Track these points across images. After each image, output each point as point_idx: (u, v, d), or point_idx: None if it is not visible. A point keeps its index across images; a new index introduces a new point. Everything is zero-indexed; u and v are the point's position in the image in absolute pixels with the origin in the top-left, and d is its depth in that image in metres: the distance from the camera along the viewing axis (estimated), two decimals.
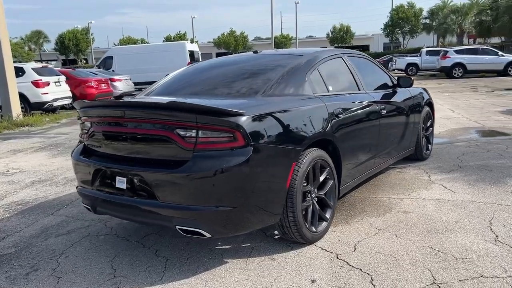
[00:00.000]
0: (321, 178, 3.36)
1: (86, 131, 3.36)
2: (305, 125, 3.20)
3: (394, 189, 4.60)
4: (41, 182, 5.62)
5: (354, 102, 3.92)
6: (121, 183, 3.01)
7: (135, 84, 20.41)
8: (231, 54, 57.01)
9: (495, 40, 35.77)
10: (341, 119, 3.58)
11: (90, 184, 3.24)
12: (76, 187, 3.53)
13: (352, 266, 2.96)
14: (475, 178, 4.85)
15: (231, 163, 2.68)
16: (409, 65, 28.96)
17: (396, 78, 5.11)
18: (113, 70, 21.64)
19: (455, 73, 23.37)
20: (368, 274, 2.85)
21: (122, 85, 18.90)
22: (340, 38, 56.79)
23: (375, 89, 4.54)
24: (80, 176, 3.40)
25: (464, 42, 43.56)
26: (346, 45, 57.33)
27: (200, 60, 23.79)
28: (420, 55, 29.08)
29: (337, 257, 3.11)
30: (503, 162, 5.46)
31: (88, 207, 3.36)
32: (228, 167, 2.67)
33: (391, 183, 4.82)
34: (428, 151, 5.83)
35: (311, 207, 3.28)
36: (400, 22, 51.75)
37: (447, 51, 24.52)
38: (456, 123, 8.84)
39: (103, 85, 16.46)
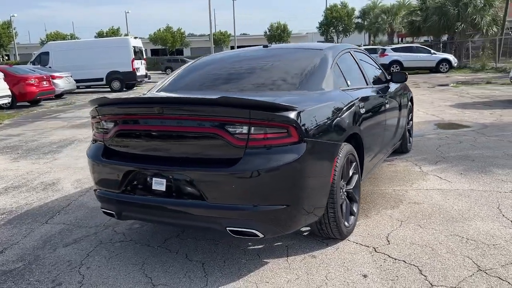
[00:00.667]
0: (350, 173, 3.36)
1: (107, 130, 3.08)
2: (342, 119, 3.18)
3: (393, 182, 4.73)
4: (15, 188, 5.11)
5: (369, 96, 3.97)
6: (159, 184, 2.80)
7: (76, 81, 19.32)
8: (169, 50, 54.88)
9: (424, 39, 38.09)
10: (363, 113, 3.60)
11: (117, 188, 2.98)
12: (95, 191, 3.24)
13: (395, 259, 2.99)
14: (462, 168, 5.11)
15: (287, 160, 2.58)
16: None
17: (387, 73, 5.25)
18: (49, 67, 20.30)
19: (392, 70, 24.56)
20: (414, 266, 2.88)
21: (63, 82, 17.83)
22: (278, 36, 57.59)
23: (375, 84, 4.63)
24: (103, 179, 3.12)
25: (394, 41, 45.99)
26: (284, 42, 58.30)
27: (145, 56, 23.03)
28: None
29: (376, 251, 3.12)
30: (480, 152, 5.81)
31: (111, 212, 3.09)
32: (284, 164, 2.57)
33: (387, 176, 4.95)
34: (410, 144, 6.06)
35: (344, 202, 3.27)
36: (334, 21, 53.48)
37: (385, 49, 25.74)
38: (416, 116, 9.26)
39: (44, 82, 15.36)
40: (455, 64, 24.45)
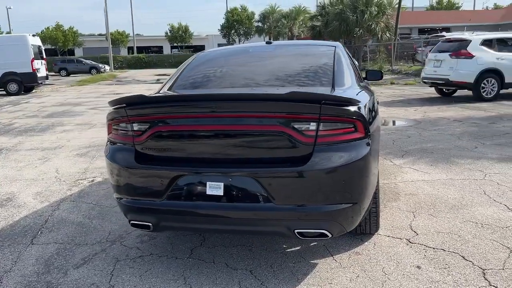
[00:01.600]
0: None
1: (139, 132, 2.73)
2: (378, 113, 3.22)
3: None
4: None
5: (372, 93, 4.07)
6: (215, 189, 2.54)
7: None
8: (60, 50, 50.68)
9: None
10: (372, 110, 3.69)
11: (159, 195, 2.65)
12: (119, 199, 2.85)
13: (434, 248, 3.09)
14: (428, 160, 5.49)
15: (357, 156, 2.52)
16: None
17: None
18: None
19: None
20: (455, 253, 3.01)
21: None
22: (180, 37, 56.72)
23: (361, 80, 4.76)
24: (139, 186, 2.75)
25: None
26: (186, 44, 57.65)
27: (44, 55, 21.03)
28: None
29: (410, 242, 3.20)
30: (433, 145, 6.30)
31: (147, 223, 2.74)
32: (355, 161, 2.51)
33: None
34: None
35: None
36: (235, 24, 54.25)
37: None
38: None
39: None
40: None
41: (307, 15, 41.12)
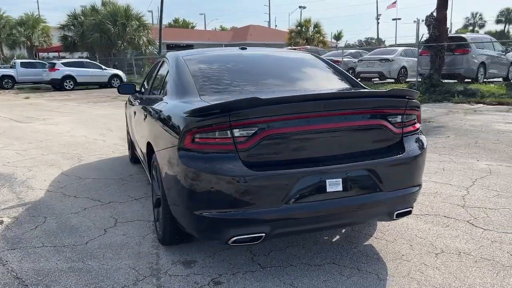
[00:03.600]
0: None
1: (244, 137, 2.50)
2: None
3: None
4: None
5: None
6: (335, 185, 2.60)
7: None
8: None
9: (79, 54, 37.62)
10: None
11: (278, 201, 2.51)
12: (219, 214, 2.52)
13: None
14: None
15: (425, 143, 3.04)
16: (4, 77, 26.29)
17: None
18: None
19: (66, 85, 23.55)
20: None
21: None
22: None
23: None
24: (255, 195, 2.50)
25: (38, 55, 43.04)
26: None
27: None
28: (15, 67, 27.00)
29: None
30: None
31: (260, 234, 2.53)
32: (425, 147, 3.02)
33: None
34: None
35: None
36: None
37: (54, 63, 24.20)
38: None
39: None
40: (125, 79, 25.89)
41: (49, 24, 37.65)
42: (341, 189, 2.62)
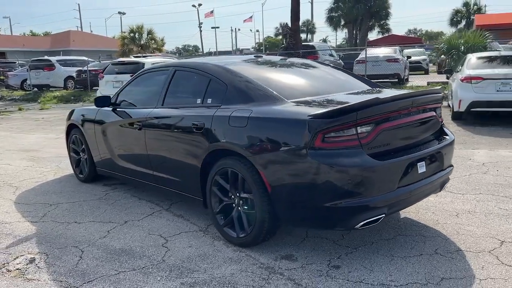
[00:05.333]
0: None
1: (365, 133, 2.91)
2: None
3: None
4: None
5: None
6: (422, 167, 3.20)
7: None
8: None
9: None
10: None
11: (393, 185, 2.99)
12: (352, 202, 2.87)
13: None
14: None
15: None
16: None
17: None
18: None
19: None
20: None
21: None
22: None
23: None
24: (380, 182, 2.91)
25: None
26: None
27: None
28: None
29: None
30: None
31: (381, 216, 2.97)
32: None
33: None
34: None
35: None
36: None
37: None
38: None
39: None
40: None
41: None
42: (425, 170, 3.24)
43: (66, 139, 5.88)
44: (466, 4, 50.26)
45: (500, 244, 3.33)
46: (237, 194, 3.41)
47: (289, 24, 15.36)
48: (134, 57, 14.32)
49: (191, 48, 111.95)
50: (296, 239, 3.52)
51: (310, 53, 16.42)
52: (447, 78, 10.78)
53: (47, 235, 3.85)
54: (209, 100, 3.73)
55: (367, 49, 16.29)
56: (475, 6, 49.63)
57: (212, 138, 3.50)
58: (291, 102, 3.28)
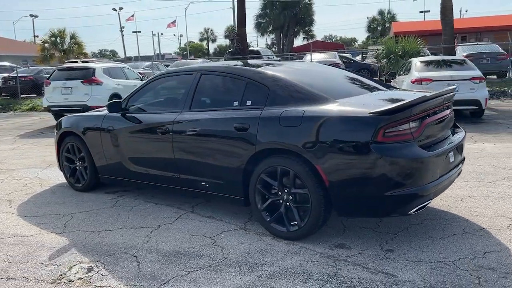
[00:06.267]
0: None
1: (415, 127, 3.27)
2: None
3: None
4: None
5: None
6: (452, 157, 3.63)
7: None
8: None
9: None
10: None
11: (438, 173, 3.38)
12: (411, 189, 3.20)
13: None
14: None
15: None
16: None
17: None
18: None
19: None
20: None
21: None
22: None
23: None
24: (430, 172, 3.28)
25: None
26: None
27: None
28: None
29: None
30: None
31: (427, 201, 3.33)
32: None
33: None
34: None
35: None
36: None
37: None
38: None
39: None
40: None
41: None
42: (453, 160, 3.67)
43: (57, 149, 5.62)
44: (381, 13, 54.29)
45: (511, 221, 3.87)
46: (286, 190, 3.60)
47: (236, 30, 15.66)
48: (82, 61, 13.64)
49: (108, 53, 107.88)
50: (337, 231, 3.79)
51: (257, 58, 16.84)
52: (389, 81, 11.67)
53: (85, 244, 3.74)
54: (248, 103, 3.87)
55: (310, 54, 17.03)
56: (389, 15, 53.74)
57: (260, 138, 3.64)
58: (339, 102, 3.55)
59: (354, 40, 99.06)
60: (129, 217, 4.38)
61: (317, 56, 18.57)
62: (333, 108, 3.45)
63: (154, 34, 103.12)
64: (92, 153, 5.14)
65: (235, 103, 3.96)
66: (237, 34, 15.87)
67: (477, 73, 9.73)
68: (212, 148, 4.01)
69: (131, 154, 4.74)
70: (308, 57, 18.18)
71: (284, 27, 44.38)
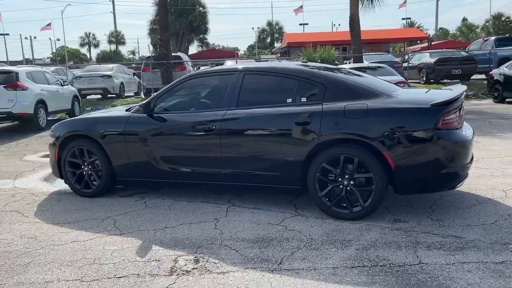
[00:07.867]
0: None
1: (457, 116, 3.99)
2: None
3: None
4: None
5: None
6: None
7: None
8: None
9: None
10: None
11: (469, 157, 4.13)
12: (459, 168, 3.91)
13: None
14: None
15: None
16: None
17: None
18: None
19: None
20: None
21: None
22: None
23: None
24: (470, 153, 4.00)
25: None
26: None
27: None
28: None
29: None
30: None
31: (463, 181, 4.05)
32: None
33: None
34: None
35: None
36: None
37: None
38: None
39: None
40: None
41: None
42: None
43: (57, 156, 5.27)
44: (269, 24, 57.20)
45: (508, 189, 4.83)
46: (347, 176, 4.04)
47: (159, 36, 15.52)
48: None
49: None
50: (382, 210, 4.33)
51: (179, 63, 16.81)
52: None
53: (162, 241, 3.74)
54: (303, 99, 4.24)
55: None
56: (277, 26, 56.87)
57: (324, 131, 4.04)
58: (393, 97, 4.12)
59: (237, 49, 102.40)
60: (177, 215, 4.41)
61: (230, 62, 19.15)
62: (394, 101, 4.01)
63: (26, 38, 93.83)
64: (110, 155, 4.98)
65: (289, 100, 4.30)
66: (160, 39, 15.72)
67: (400, 78, 11.20)
68: (268, 143, 4.28)
69: (164, 153, 4.73)
70: (228, 62, 18.68)
71: (180, 34, 44.22)
